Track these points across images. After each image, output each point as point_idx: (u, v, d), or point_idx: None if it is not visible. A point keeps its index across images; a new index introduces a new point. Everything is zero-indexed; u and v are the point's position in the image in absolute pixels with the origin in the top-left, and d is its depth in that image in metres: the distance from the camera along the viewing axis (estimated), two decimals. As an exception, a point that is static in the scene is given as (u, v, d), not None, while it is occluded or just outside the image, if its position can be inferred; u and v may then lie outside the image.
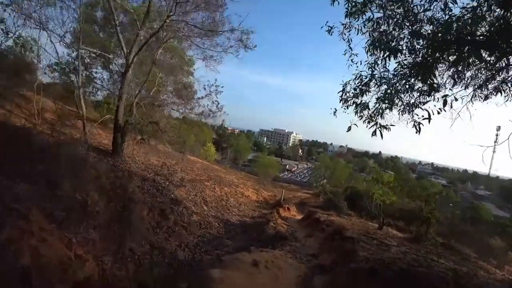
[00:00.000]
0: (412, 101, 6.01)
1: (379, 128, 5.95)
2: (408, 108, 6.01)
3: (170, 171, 11.62)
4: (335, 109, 6.08)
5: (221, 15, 11.67)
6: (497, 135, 62.80)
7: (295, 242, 8.23)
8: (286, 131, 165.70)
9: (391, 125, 5.90)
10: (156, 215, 6.95)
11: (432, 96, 5.83)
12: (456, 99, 5.97)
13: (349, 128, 5.77)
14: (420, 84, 5.89)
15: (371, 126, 5.88)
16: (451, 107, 6.10)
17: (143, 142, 11.20)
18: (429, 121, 5.05)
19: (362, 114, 6.12)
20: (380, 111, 6.03)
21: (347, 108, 6.03)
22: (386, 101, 6.01)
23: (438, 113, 5.33)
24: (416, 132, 5.36)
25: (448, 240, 11.07)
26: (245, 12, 11.33)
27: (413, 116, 5.75)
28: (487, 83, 6.12)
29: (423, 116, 5.42)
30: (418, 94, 6.00)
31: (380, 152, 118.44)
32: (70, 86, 11.94)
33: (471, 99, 6.25)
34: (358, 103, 6.17)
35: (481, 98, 6.29)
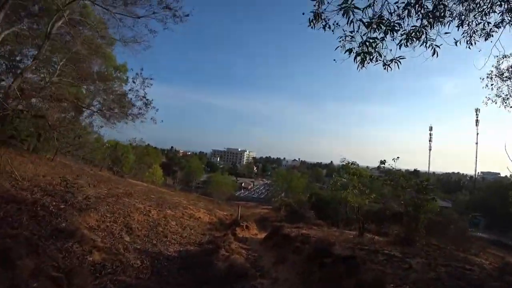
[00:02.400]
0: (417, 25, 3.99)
1: (386, 64, 3.72)
2: (414, 35, 3.91)
3: (71, 189, 7.86)
4: (312, 15, 3.73)
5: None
6: (430, 134, 69.95)
7: (262, 279, 5.29)
8: (239, 149, 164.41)
9: (401, 57, 3.72)
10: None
11: (440, 22, 3.97)
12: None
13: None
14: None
15: (362, 61, 3.76)
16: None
17: (15, 145, 7.33)
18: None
19: (351, 44, 3.87)
20: (374, 40, 3.86)
21: (325, 27, 3.72)
22: (382, 26, 3.85)
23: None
24: (433, 55, 3.83)
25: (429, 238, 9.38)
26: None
27: (426, 42, 3.71)
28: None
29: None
30: (422, 17, 4.00)
31: (331, 162, 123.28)
32: None
33: (470, 38, 4.52)
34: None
35: (482, 36, 4.57)
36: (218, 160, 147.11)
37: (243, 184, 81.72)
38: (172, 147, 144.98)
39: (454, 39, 4.48)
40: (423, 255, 5.88)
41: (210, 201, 33.64)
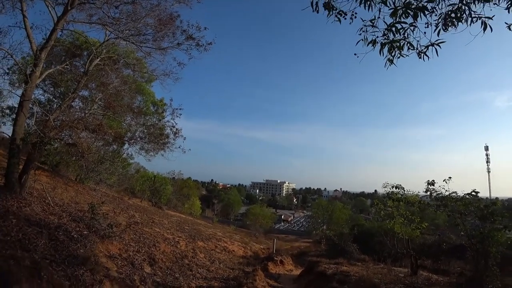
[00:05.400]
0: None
1: (422, 52, 3.06)
2: (454, 15, 3.20)
3: (97, 216, 7.84)
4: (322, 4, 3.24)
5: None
6: (487, 155, 60.08)
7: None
8: (279, 181, 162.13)
9: (439, 41, 3.00)
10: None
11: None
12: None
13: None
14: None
15: (390, 51, 3.12)
16: None
17: (42, 169, 7.62)
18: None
19: (374, 35, 3.28)
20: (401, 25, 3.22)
21: (339, 16, 3.20)
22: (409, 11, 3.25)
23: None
24: (484, 31, 3.06)
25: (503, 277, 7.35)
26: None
27: (471, 19, 2.98)
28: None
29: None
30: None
31: (375, 190, 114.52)
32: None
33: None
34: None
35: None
36: (258, 192, 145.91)
37: (282, 216, 78.82)
38: (212, 179, 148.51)
39: (506, 23, 3.63)
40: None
41: (247, 233, 32.55)
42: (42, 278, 4.03)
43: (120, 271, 6.02)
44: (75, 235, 6.38)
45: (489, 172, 58.06)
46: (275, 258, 12.95)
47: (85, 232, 6.81)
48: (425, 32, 3.04)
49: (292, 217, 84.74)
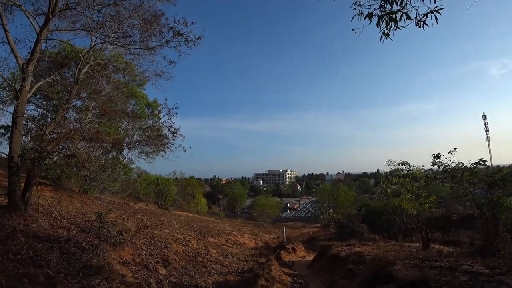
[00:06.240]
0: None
1: (421, 21, 2.93)
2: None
3: (106, 224, 7.81)
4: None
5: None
6: (485, 124, 59.54)
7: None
8: (281, 170, 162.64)
9: (439, 8, 2.88)
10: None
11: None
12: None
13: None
14: None
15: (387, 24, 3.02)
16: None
17: (45, 184, 7.54)
18: None
19: (369, 8, 3.16)
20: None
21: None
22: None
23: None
24: None
25: None
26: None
27: None
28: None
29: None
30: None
31: (378, 170, 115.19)
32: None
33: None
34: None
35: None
36: (261, 183, 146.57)
37: (288, 205, 79.43)
38: (214, 175, 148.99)
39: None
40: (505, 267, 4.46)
41: (256, 225, 32.81)
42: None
43: (135, 276, 6.02)
44: (86, 246, 6.35)
45: (488, 140, 58.02)
46: (287, 246, 13.03)
47: (95, 242, 6.78)
48: (423, 0, 2.92)
49: (298, 205, 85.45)
